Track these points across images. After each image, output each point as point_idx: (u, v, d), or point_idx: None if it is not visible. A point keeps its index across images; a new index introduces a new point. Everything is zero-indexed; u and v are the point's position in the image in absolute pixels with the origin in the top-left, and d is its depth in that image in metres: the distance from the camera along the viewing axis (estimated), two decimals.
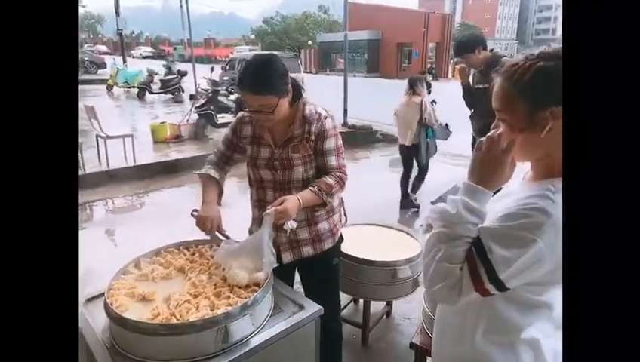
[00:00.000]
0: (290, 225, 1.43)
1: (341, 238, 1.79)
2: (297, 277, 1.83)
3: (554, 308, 0.88)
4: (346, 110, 9.01)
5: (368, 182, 5.94)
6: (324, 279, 1.75)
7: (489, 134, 0.87)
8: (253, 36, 49.68)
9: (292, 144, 1.54)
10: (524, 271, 0.79)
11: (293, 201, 1.41)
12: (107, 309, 1.19)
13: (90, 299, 1.41)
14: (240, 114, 1.67)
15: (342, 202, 1.77)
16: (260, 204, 1.62)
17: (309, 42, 40.91)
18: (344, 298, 2.59)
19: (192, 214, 1.57)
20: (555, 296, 0.86)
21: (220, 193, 1.65)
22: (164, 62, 13.78)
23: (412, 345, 1.73)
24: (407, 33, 31.90)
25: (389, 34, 33.46)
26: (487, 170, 0.86)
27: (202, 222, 1.52)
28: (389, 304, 2.65)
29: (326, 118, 1.57)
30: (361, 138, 8.53)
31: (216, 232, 1.56)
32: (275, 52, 15.79)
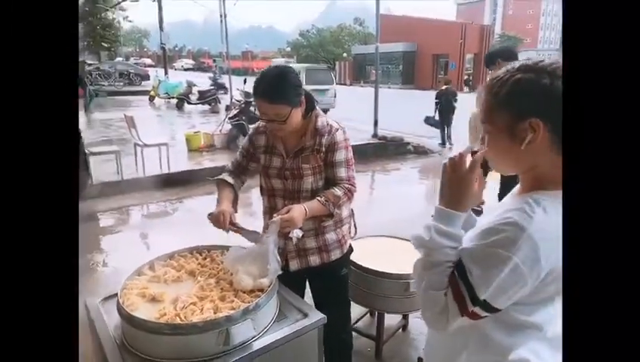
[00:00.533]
0: (296, 233, 1.47)
1: (350, 249, 1.80)
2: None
3: (544, 329, 0.85)
4: (376, 121, 9.01)
5: (399, 194, 5.91)
6: (332, 289, 1.77)
7: (451, 155, 0.88)
8: (289, 49, 50.72)
9: (303, 155, 1.58)
10: (506, 290, 0.78)
11: (299, 210, 1.45)
12: (118, 307, 1.27)
13: (107, 298, 1.50)
14: (256, 124, 1.73)
15: (352, 214, 1.78)
16: (270, 212, 1.67)
17: (344, 54, 41.26)
18: (360, 310, 2.59)
19: (208, 217, 1.60)
20: (545, 316, 0.84)
21: (235, 199, 1.70)
22: (210, 75, 14.30)
23: (420, 360, 1.71)
24: (443, 44, 31.57)
25: (424, 45, 33.23)
26: (455, 192, 0.87)
27: (216, 218, 1.54)
28: (405, 318, 2.61)
29: (337, 130, 1.60)
30: (392, 150, 8.50)
31: (231, 226, 1.56)
32: (309, 64, 16.03)
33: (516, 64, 0.82)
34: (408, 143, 8.78)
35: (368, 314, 2.73)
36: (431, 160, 8.32)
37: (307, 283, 1.84)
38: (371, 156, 8.16)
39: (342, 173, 1.59)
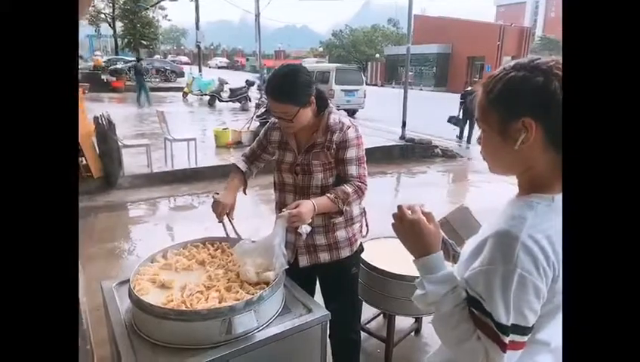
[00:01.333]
0: (305, 229, 1.48)
1: (361, 248, 1.80)
2: None
3: (551, 344, 0.82)
4: (404, 123, 8.90)
5: (423, 198, 5.81)
6: (341, 287, 1.77)
7: (395, 212, 0.89)
8: (321, 49, 50.86)
9: (314, 151, 1.59)
10: (526, 303, 0.74)
11: (307, 206, 1.46)
12: (130, 291, 1.32)
13: (122, 282, 1.56)
14: (272, 119, 1.77)
15: (364, 212, 1.78)
16: (280, 207, 1.68)
17: (377, 55, 40.94)
18: (374, 310, 2.57)
19: (213, 196, 1.71)
20: (553, 330, 0.81)
21: (244, 185, 1.82)
22: (257, 76, 14.58)
23: None
24: (479, 46, 30.81)
25: (459, 47, 32.55)
26: (414, 238, 0.87)
27: (215, 205, 1.67)
28: (418, 321, 2.57)
29: (349, 127, 1.60)
30: (419, 152, 8.38)
31: (225, 218, 1.70)
32: (339, 64, 16.04)
33: (512, 62, 0.80)
34: (436, 146, 8.62)
35: (382, 316, 2.70)
36: (459, 164, 8.15)
37: (317, 280, 1.85)
38: (397, 158, 8.07)
39: (353, 170, 1.59)
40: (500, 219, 0.80)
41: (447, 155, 8.49)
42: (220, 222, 1.71)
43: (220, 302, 1.29)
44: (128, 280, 1.54)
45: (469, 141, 9.52)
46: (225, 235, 1.73)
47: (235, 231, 1.74)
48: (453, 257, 1.09)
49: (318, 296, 1.81)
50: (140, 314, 1.27)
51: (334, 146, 1.58)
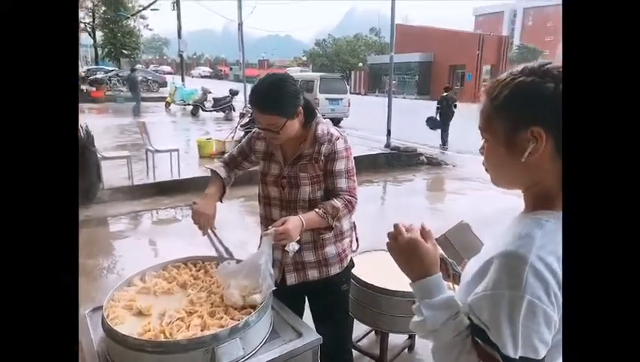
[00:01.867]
0: (292, 246, 1.39)
1: (351, 264, 1.72)
2: None
3: None
4: (389, 131, 8.92)
5: (409, 206, 5.79)
6: (331, 305, 1.68)
7: (388, 232, 0.82)
8: (305, 58, 51.09)
9: (301, 163, 1.52)
10: (536, 333, 0.66)
11: (294, 222, 1.38)
12: (102, 320, 1.21)
13: (96, 309, 1.45)
14: (255, 128, 1.68)
15: (353, 226, 1.70)
16: (266, 222, 1.60)
17: (360, 64, 41.30)
18: (364, 327, 2.49)
19: (191, 206, 1.59)
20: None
21: (223, 191, 1.68)
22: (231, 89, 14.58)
23: None
24: (460, 55, 31.34)
25: (441, 56, 33.03)
26: (410, 260, 0.80)
27: (196, 217, 1.54)
28: (411, 338, 2.50)
29: (338, 138, 1.53)
30: (404, 160, 8.39)
31: (209, 230, 1.58)
32: (323, 73, 16.09)
33: (520, 67, 0.73)
34: (421, 154, 8.65)
35: (373, 332, 2.62)
36: (444, 171, 8.19)
37: (306, 299, 1.76)
38: (383, 166, 8.05)
39: (342, 183, 1.52)
40: (505, 239, 0.72)
41: (433, 163, 8.52)
42: (204, 235, 1.59)
43: (202, 330, 1.19)
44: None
45: (444, 143, 9.90)
46: (214, 250, 1.62)
47: (223, 246, 1.63)
48: (453, 277, 1.02)
49: (307, 315, 1.72)
50: (114, 345, 1.16)
51: (322, 158, 1.51)
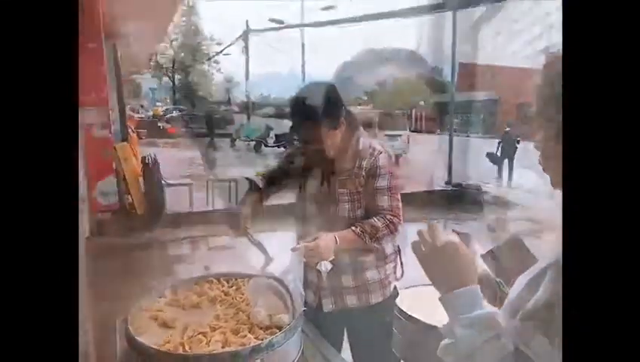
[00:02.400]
0: (325, 266, 1.29)
1: (395, 293, 1.56)
2: None
3: None
4: (450, 166, 8.59)
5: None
6: (371, 338, 1.52)
7: (419, 229, 0.69)
8: (365, 98, 51.99)
9: (340, 178, 1.43)
10: None
11: (327, 239, 1.28)
12: (126, 329, 1.17)
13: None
14: (296, 144, 1.64)
15: (398, 250, 1.56)
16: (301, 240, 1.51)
17: (421, 102, 41.11)
18: None
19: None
20: None
21: (260, 201, 1.62)
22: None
23: None
24: (527, 92, 30.03)
25: (507, 94, 31.87)
26: (443, 266, 0.67)
27: (232, 218, 1.50)
28: None
29: (380, 153, 1.44)
30: (467, 198, 7.95)
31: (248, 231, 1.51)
32: (383, 109, 16.22)
33: None
34: (485, 192, 8.16)
35: None
36: (513, 212, 7.61)
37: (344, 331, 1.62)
38: (443, 204, 7.69)
39: (384, 201, 1.40)
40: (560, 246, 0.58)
41: (499, 203, 7.98)
42: (243, 235, 1.51)
43: (223, 347, 1.11)
44: None
45: (510, 178, 9.77)
46: (262, 253, 1.51)
47: (264, 250, 1.51)
48: (500, 299, 0.85)
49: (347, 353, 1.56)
50: (133, 353, 1.12)
51: (364, 174, 1.42)
